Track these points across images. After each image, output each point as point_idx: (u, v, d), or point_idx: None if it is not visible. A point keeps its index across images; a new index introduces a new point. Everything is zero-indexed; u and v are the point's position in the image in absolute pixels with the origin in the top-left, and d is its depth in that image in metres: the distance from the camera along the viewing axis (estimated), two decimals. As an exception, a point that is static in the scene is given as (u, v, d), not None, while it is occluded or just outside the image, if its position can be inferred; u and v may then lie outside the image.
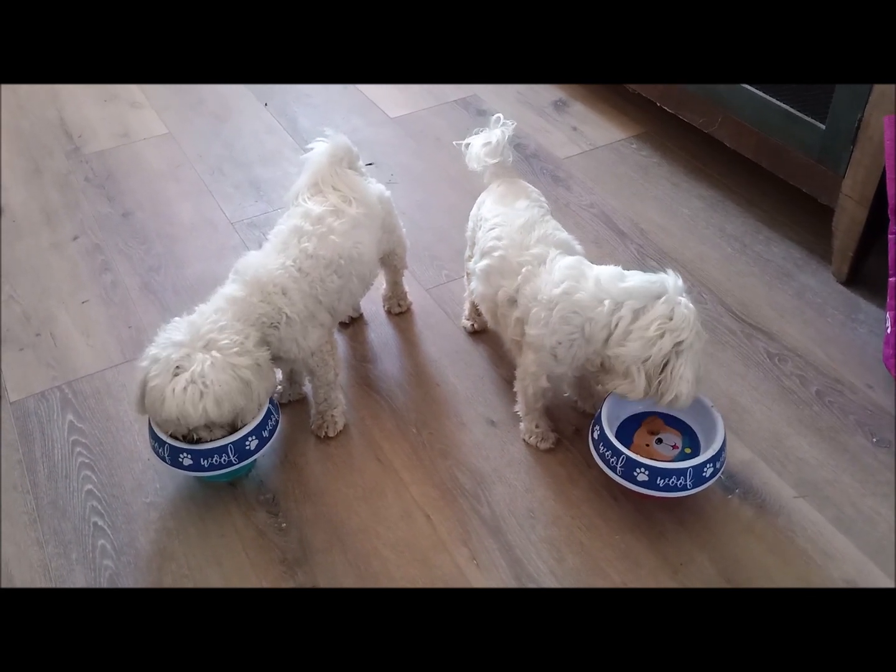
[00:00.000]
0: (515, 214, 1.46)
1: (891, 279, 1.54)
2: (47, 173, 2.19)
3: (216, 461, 1.33)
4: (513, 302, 1.40)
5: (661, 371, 1.27)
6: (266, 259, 1.41)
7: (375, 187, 1.61)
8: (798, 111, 1.75)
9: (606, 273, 1.33)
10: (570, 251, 1.41)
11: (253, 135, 2.34)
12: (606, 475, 1.36)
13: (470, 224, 1.61)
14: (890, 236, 1.53)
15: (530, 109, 2.40)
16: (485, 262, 1.45)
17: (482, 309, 1.53)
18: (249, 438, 1.35)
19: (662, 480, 1.30)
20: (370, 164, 2.16)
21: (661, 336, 1.25)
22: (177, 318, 1.36)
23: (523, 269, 1.38)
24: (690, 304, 1.28)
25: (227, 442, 1.33)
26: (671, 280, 1.30)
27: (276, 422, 1.43)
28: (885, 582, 1.29)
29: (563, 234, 1.44)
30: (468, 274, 1.66)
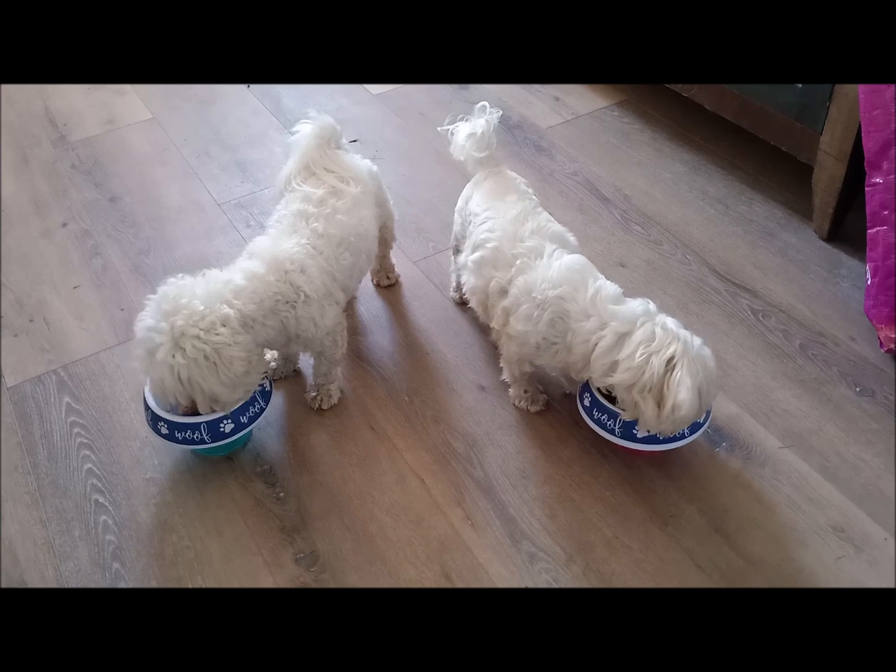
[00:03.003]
0: (506, 207, 1.47)
1: (869, 231, 1.56)
2: (34, 162, 2.20)
3: (188, 436, 1.36)
4: (503, 292, 1.41)
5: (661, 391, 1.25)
6: (278, 241, 1.41)
7: (364, 163, 1.62)
8: (775, 70, 1.76)
9: (605, 291, 1.32)
10: (564, 243, 1.42)
11: (238, 117, 2.35)
12: (597, 434, 1.39)
13: (457, 218, 1.62)
14: (867, 188, 1.55)
15: (512, 81, 2.41)
16: (477, 253, 1.46)
17: (473, 301, 1.52)
18: (224, 421, 1.36)
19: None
20: (354, 141, 2.18)
21: (648, 359, 1.24)
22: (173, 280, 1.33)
23: (517, 262, 1.38)
24: (670, 321, 1.28)
25: (200, 420, 1.35)
26: (652, 305, 1.31)
27: (261, 409, 1.43)
28: (870, 526, 1.32)
29: (556, 226, 1.45)
30: (454, 257, 1.68)
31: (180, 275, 1.34)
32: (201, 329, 1.27)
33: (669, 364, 1.23)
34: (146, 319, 1.29)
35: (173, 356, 1.26)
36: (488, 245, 1.44)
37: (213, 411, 1.35)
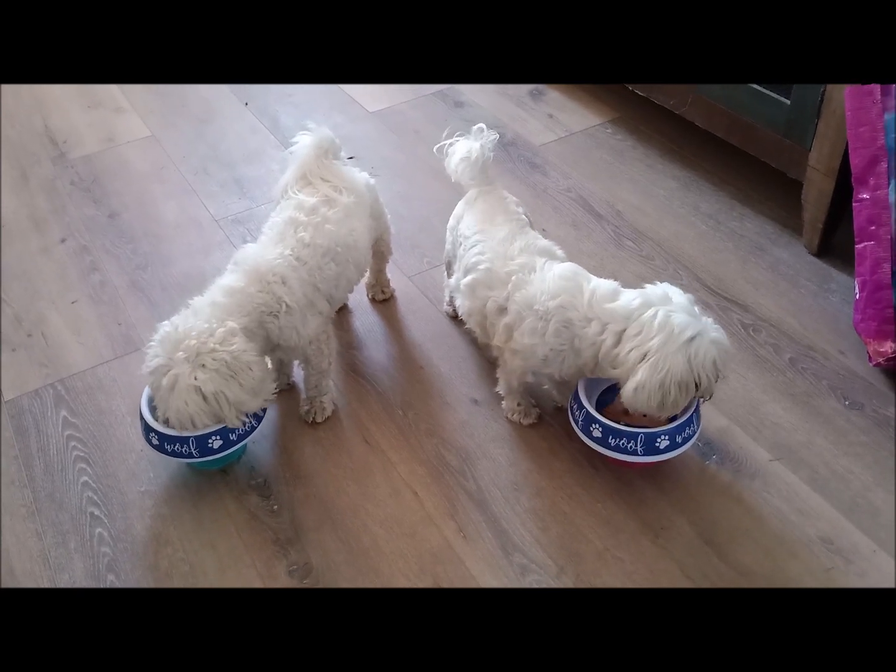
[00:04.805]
0: (495, 229, 1.49)
1: (857, 246, 1.58)
2: (34, 180, 2.22)
3: (177, 449, 1.37)
4: (502, 310, 1.43)
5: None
6: (264, 250, 1.44)
7: (361, 175, 1.65)
8: (763, 88, 1.79)
9: (600, 290, 1.34)
10: (552, 257, 1.44)
11: (235, 135, 2.38)
12: (588, 448, 1.40)
13: (448, 237, 1.64)
14: (855, 204, 1.57)
15: (507, 99, 2.44)
16: (470, 277, 1.48)
17: (470, 324, 1.54)
18: (212, 437, 1.37)
19: (680, 436, 1.35)
20: (351, 158, 2.19)
21: (643, 358, 1.27)
22: (167, 322, 1.36)
23: (512, 278, 1.41)
24: (678, 306, 1.29)
25: (189, 435, 1.35)
26: (656, 292, 1.32)
27: (251, 428, 1.42)
28: (858, 538, 1.33)
29: (544, 242, 1.48)
30: (446, 272, 1.71)
31: (168, 320, 1.36)
32: (216, 342, 1.31)
33: (644, 358, 1.27)
34: (155, 360, 1.32)
35: (195, 377, 1.29)
36: (480, 267, 1.46)
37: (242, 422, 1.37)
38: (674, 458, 1.37)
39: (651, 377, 1.26)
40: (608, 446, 1.37)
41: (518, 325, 1.40)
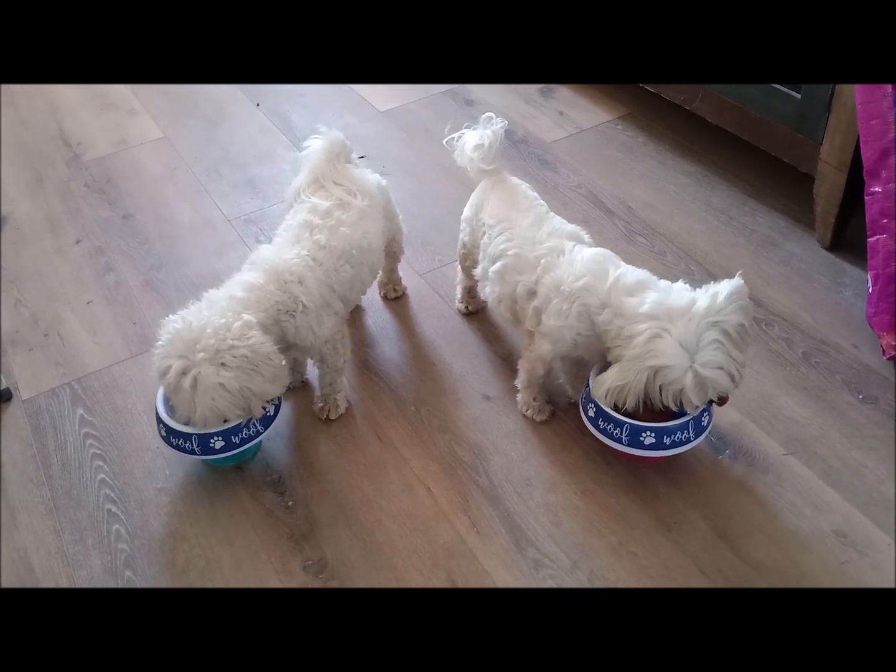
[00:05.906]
0: (520, 216, 1.50)
1: (870, 239, 1.58)
2: (49, 182, 2.24)
3: (180, 444, 1.38)
4: (532, 293, 1.44)
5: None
6: (280, 251, 1.45)
7: (373, 177, 1.66)
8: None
9: (623, 280, 1.34)
10: (580, 241, 1.46)
11: (247, 136, 2.39)
12: (602, 443, 1.40)
13: (465, 227, 1.64)
14: (867, 197, 1.57)
15: (517, 96, 2.45)
16: (499, 263, 1.49)
17: (501, 308, 1.54)
18: (214, 438, 1.37)
19: (669, 438, 1.34)
20: (362, 157, 2.21)
21: (618, 360, 1.31)
22: (176, 317, 1.36)
23: (542, 261, 1.42)
24: (677, 332, 1.25)
25: (192, 432, 1.36)
26: (678, 301, 1.29)
27: (256, 432, 1.42)
28: (873, 531, 1.33)
29: (571, 226, 1.49)
30: (461, 267, 1.71)
31: (176, 314, 1.36)
32: (233, 339, 1.31)
33: (619, 360, 1.31)
34: (173, 362, 1.31)
35: (218, 374, 1.30)
36: (509, 253, 1.47)
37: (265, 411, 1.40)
38: (687, 452, 1.38)
39: (613, 381, 1.29)
40: (601, 429, 1.38)
41: (546, 308, 1.41)
